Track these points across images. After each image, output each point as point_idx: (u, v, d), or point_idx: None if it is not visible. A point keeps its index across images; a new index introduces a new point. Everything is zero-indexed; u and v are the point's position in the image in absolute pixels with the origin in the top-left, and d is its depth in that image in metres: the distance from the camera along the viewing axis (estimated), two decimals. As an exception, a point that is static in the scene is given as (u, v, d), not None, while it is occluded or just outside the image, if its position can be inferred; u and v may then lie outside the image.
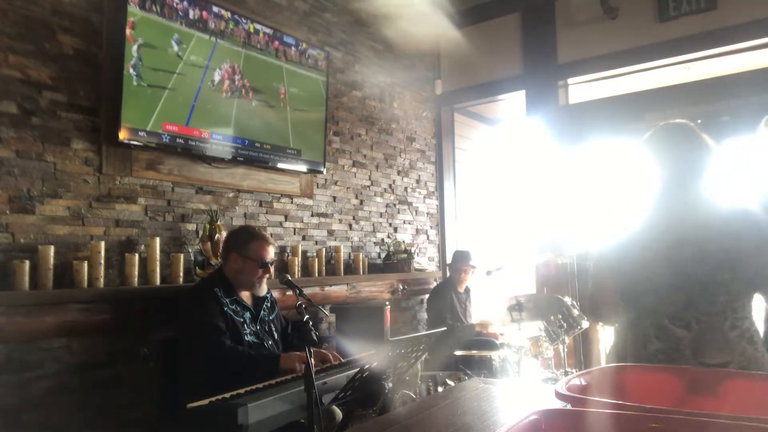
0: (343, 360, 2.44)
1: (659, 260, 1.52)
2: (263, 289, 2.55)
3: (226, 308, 2.37)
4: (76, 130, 2.61)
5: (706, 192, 1.57)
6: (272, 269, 2.55)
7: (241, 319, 2.42)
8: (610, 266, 1.66)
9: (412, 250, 4.54)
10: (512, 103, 5.21)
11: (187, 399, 1.81)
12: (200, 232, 3.04)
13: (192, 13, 2.99)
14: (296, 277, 3.49)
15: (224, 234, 3.02)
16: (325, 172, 3.89)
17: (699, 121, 4.13)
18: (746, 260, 1.45)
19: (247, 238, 2.50)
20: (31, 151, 2.46)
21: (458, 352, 3.84)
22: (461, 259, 4.50)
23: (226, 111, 3.15)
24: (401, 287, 4.49)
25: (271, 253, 2.53)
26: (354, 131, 4.35)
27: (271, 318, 2.60)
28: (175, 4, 2.90)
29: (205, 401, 1.80)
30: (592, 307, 1.76)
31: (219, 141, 3.11)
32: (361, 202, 4.37)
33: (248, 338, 2.40)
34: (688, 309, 1.48)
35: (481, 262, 4.60)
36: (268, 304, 2.61)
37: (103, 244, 2.58)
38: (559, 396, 0.80)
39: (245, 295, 2.51)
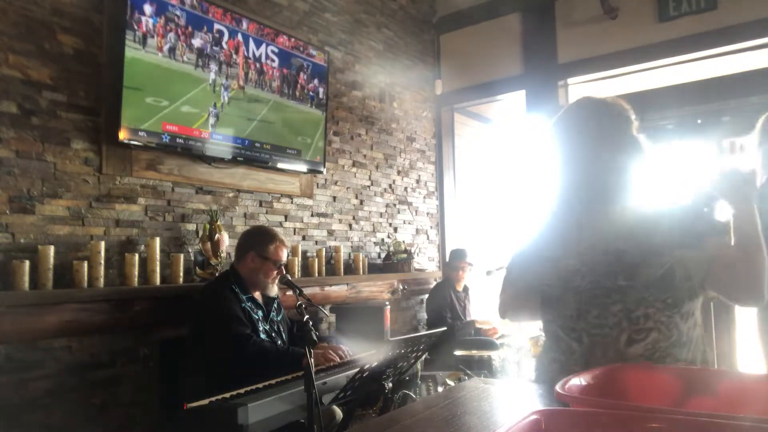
0: (343, 360, 2.45)
1: (550, 271, 1.39)
2: (275, 290, 2.60)
3: (243, 304, 2.42)
4: (76, 130, 2.61)
5: (611, 191, 1.35)
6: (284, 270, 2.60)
7: (256, 317, 2.47)
8: (514, 275, 1.52)
9: (412, 250, 4.54)
10: (512, 103, 5.21)
11: (187, 399, 1.81)
12: (200, 232, 3.04)
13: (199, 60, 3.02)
14: (296, 277, 3.49)
15: (224, 234, 3.03)
16: (325, 172, 3.89)
17: (699, 121, 4.14)
18: (647, 264, 1.27)
19: (266, 240, 2.56)
20: (31, 151, 2.46)
21: (458, 352, 3.85)
22: (457, 256, 4.51)
23: (228, 113, 3.15)
24: (401, 287, 4.49)
25: (285, 254, 2.61)
26: (354, 131, 4.35)
27: (278, 319, 2.63)
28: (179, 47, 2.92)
29: (205, 401, 1.80)
30: (500, 305, 1.54)
31: (219, 141, 3.11)
32: (361, 202, 4.37)
33: (261, 336, 2.44)
34: (578, 320, 1.32)
35: (482, 262, 4.60)
36: (276, 306, 2.64)
37: (103, 244, 2.58)
38: (559, 396, 0.80)
39: (257, 294, 2.56)
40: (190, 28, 2.98)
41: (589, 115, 1.40)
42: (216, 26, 3.13)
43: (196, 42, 3.01)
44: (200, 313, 2.41)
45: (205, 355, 2.31)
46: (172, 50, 2.88)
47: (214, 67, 3.10)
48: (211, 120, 3.06)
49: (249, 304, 2.46)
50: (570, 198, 1.42)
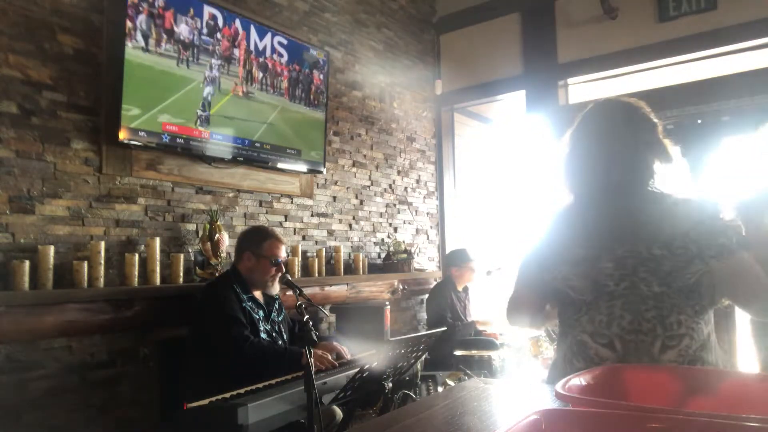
0: (343, 360, 2.45)
1: (576, 273, 1.36)
2: (276, 288, 2.60)
3: (244, 304, 2.43)
4: (76, 130, 2.61)
5: (644, 194, 1.36)
6: (284, 268, 2.59)
7: (257, 317, 2.47)
8: (528, 276, 1.49)
9: (412, 250, 4.54)
10: (512, 103, 5.21)
11: (187, 399, 1.82)
12: (200, 232, 3.04)
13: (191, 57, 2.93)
14: (296, 277, 3.49)
15: (224, 234, 3.03)
16: (325, 172, 3.89)
17: (699, 121, 4.13)
18: (681, 271, 1.27)
19: (259, 237, 2.58)
20: (31, 151, 2.46)
21: (458, 352, 3.85)
22: (464, 257, 4.49)
23: (227, 112, 3.15)
24: (401, 287, 4.49)
25: (283, 251, 2.60)
26: (354, 131, 4.35)
27: (279, 320, 2.63)
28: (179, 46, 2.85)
29: (205, 401, 1.81)
30: (508, 309, 1.54)
31: (219, 141, 3.10)
32: (361, 202, 4.37)
33: (262, 335, 2.44)
34: (610, 326, 1.30)
35: (482, 262, 4.60)
36: (277, 306, 2.65)
37: (103, 244, 2.58)
38: (559, 396, 0.80)
39: (257, 294, 2.56)
40: (172, 10, 2.80)
41: (618, 116, 1.43)
42: (208, 10, 3.00)
43: (181, 30, 2.85)
44: (201, 313, 2.42)
45: (205, 356, 2.31)
46: (145, 39, 2.69)
47: (210, 63, 3.08)
48: (201, 126, 2.98)
49: (250, 303, 2.47)
50: (594, 199, 1.41)
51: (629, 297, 1.30)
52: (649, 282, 1.29)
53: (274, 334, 2.53)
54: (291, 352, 2.33)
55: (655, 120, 1.42)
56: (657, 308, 1.28)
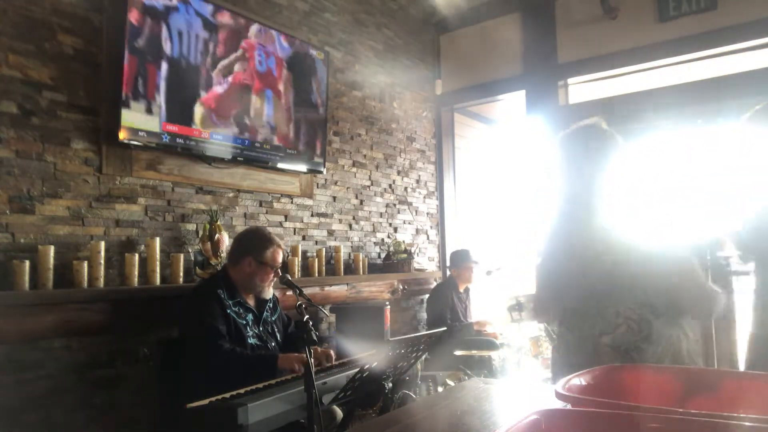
0: (343, 360, 2.45)
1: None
2: (270, 292, 2.56)
3: (228, 310, 2.37)
4: (76, 130, 2.61)
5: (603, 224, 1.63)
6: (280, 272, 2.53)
7: (244, 321, 2.42)
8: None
9: (412, 250, 4.54)
10: (512, 103, 5.21)
11: (187, 399, 1.81)
12: (200, 232, 3.04)
13: None
14: (296, 277, 3.49)
15: (224, 234, 3.02)
16: (325, 172, 3.89)
17: (699, 121, 4.13)
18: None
19: (263, 244, 2.48)
20: (31, 151, 2.46)
21: (458, 352, 3.84)
22: (466, 257, 4.49)
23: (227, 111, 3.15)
24: (401, 287, 4.48)
25: (282, 256, 2.55)
26: (354, 131, 4.35)
27: (273, 319, 2.60)
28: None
29: (205, 401, 1.80)
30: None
31: (219, 141, 3.10)
32: (361, 202, 4.37)
33: (251, 341, 2.39)
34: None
35: (481, 262, 4.60)
36: (271, 305, 2.61)
37: (103, 244, 2.58)
38: (559, 396, 0.80)
39: (248, 297, 2.51)
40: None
41: (587, 140, 1.78)
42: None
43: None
44: (181, 320, 2.43)
45: (187, 360, 2.31)
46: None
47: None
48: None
49: (236, 309, 2.41)
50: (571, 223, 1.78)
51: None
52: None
53: (264, 337, 2.48)
54: (263, 360, 2.27)
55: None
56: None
